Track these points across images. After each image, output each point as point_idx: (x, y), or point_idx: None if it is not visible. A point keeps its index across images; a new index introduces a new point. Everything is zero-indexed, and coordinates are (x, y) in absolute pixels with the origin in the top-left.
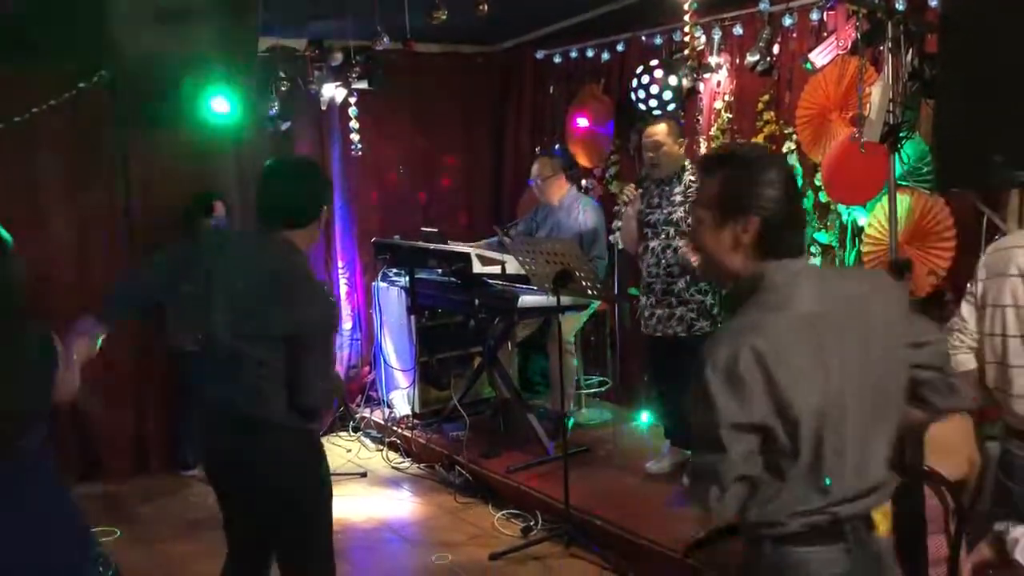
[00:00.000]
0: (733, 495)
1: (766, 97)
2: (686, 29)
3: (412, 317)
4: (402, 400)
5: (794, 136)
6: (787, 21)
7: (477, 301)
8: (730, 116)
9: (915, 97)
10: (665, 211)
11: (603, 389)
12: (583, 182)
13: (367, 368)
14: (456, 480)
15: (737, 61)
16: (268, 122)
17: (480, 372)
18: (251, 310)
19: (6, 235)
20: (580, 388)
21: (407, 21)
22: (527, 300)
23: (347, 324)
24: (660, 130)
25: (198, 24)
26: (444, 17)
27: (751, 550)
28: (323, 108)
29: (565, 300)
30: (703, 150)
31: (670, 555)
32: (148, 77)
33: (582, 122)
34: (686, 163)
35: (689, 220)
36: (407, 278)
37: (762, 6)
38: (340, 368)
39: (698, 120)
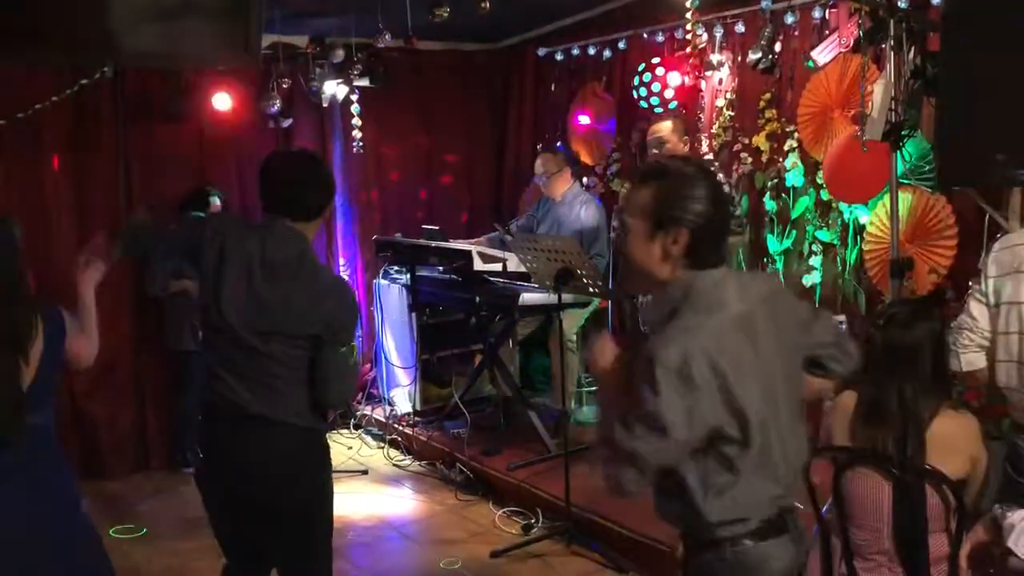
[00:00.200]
0: (647, 483)
1: (768, 95)
2: (688, 27)
3: (413, 314)
4: (403, 398)
5: (796, 134)
6: (789, 19)
7: (478, 298)
8: (732, 114)
9: (917, 95)
10: None
11: None
12: (585, 180)
13: (368, 365)
14: (457, 478)
15: (739, 59)
16: (270, 119)
17: (481, 370)
18: (273, 305)
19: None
20: (581, 386)
21: (409, 18)
22: (528, 298)
23: None
24: (665, 127)
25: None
26: (446, 14)
27: (709, 556)
28: (324, 105)
29: (566, 298)
30: (705, 148)
31: (672, 553)
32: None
33: (584, 120)
34: None
35: None
36: (408, 275)
37: (764, 4)
38: None
39: (700, 118)
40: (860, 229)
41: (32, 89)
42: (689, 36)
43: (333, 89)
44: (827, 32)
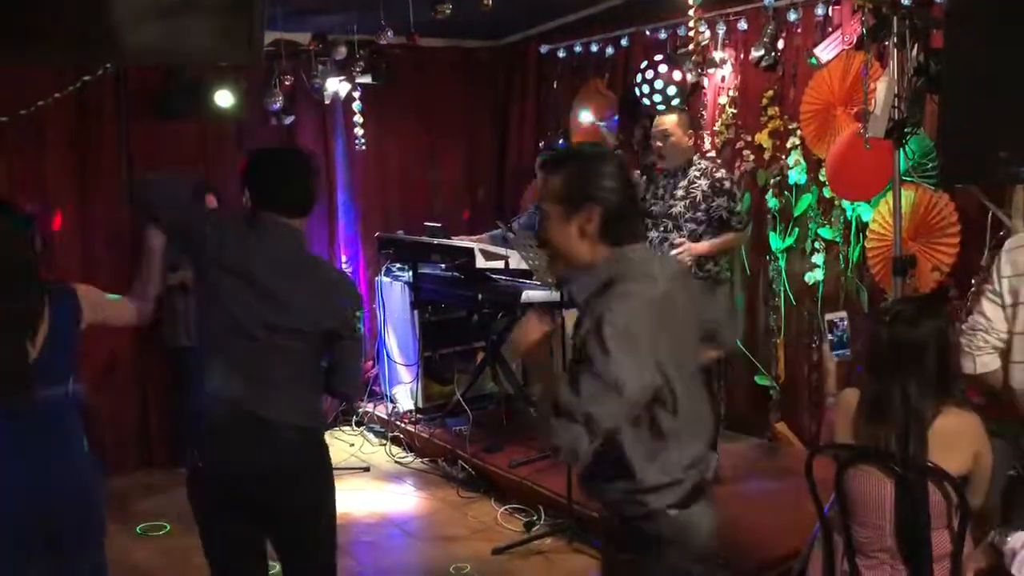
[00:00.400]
0: (594, 447)
1: (770, 92)
2: (691, 24)
3: (415, 312)
4: (405, 395)
5: (798, 131)
6: (792, 16)
7: (480, 296)
8: (734, 111)
9: (920, 92)
10: (667, 204)
11: None
12: None
13: (370, 363)
14: (459, 475)
15: (742, 56)
16: (272, 116)
17: (483, 367)
18: (287, 303)
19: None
20: None
21: (411, 15)
22: (530, 295)
23: None
24: (670, 120)
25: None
26: (448, 11)
27: (642, 527)
28: (326, 103)
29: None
30: (708, 145)
31: None
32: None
33: (586, 117)
34: (694, 157)
35: (689, 215)
36: (410, 273)
37: (767, 1)
38: None
39: (702, 115)
40: (863, 226)
41: (35, 86)
42: (692, 33)
43: (335, 86)
44: (830, 29)
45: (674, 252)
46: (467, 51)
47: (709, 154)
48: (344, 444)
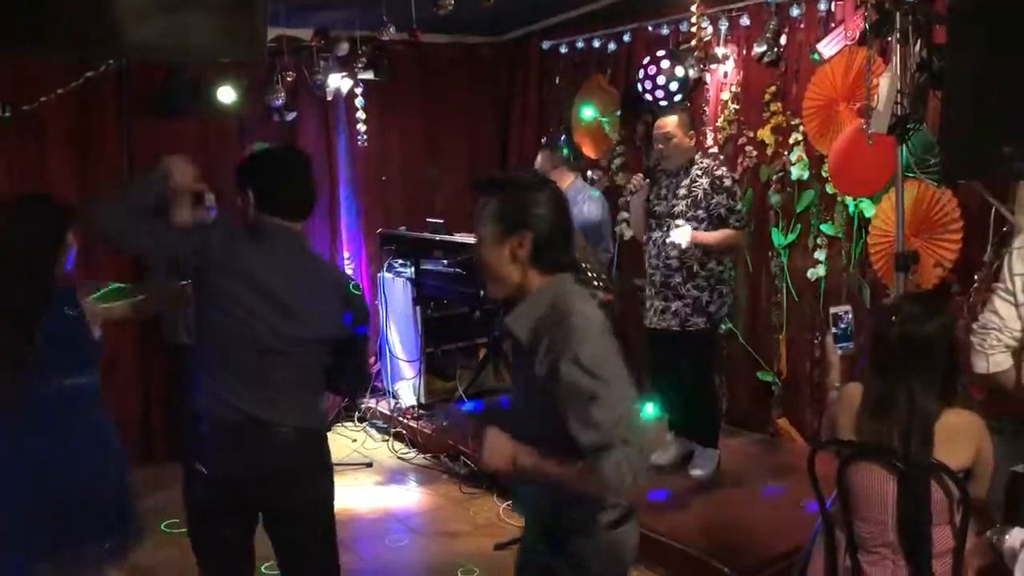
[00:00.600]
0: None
1: (773, 88)
2: (693, 19)
3: (418, 308)
4: (407, 391)
5: (801, 127)
6: (794, 11)
7: (482, 292)
8: (737, 107)
9: (923, 88)
10: (670, 203)
11: None
12: (589, 173)
13: (373, 359)
14: (461, 470)
15: (744, 52)
16: (274, 112)
17: (485, 363)
18: (289, 311)
19: None
20: None
21: (413, 11)
22: None
23: None
24: (671, 122)
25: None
26: (450, 7)
27: (581, 543)
28: (329, 99)
29: None
30: (710, 141)
31: (675, 546)
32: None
33: (588, 113)
34: (696, 156)
35: (691, 213)
36: (413, 269)
37: None
38: None
39: (704, 111)
40: (865, 223)
41: (37, 82)
42: (694, 29)
43: (337, 82)
44: (833, 25)
45: (673, 234)
46: (469, 47)
47: (711, 150)
48: (347, 440)
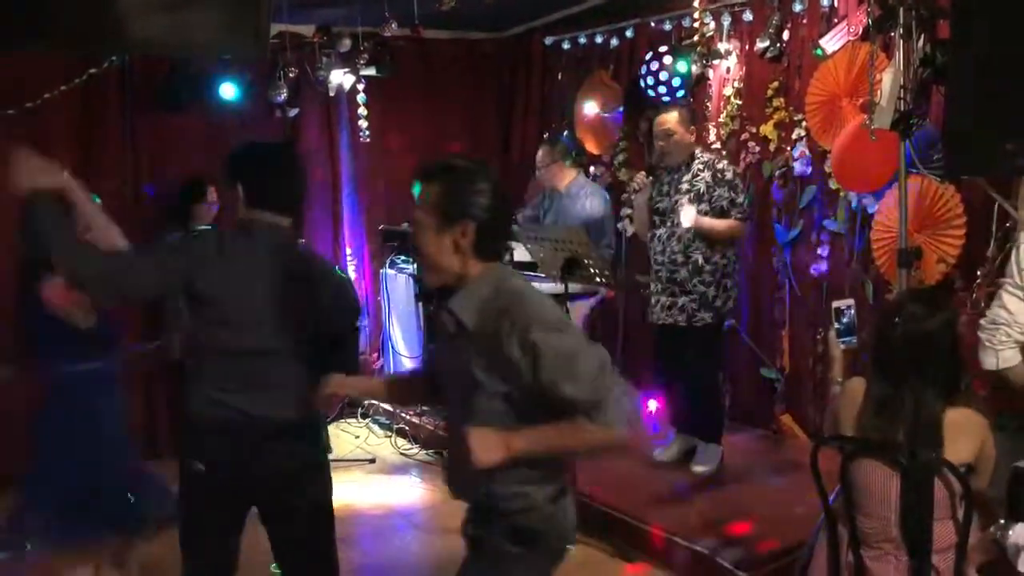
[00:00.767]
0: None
1: (776, 84)
2: (695, 15)
3: (420, 304)
4: None
5: (804, 123)
6: (797, 7)
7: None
8: (739, 103)
9: (926, 84)
10: (673, 199)
11: None
12: (592, 169)
13: (376, 355)
14: None
15: (747, 47)
16: (276, 109)
17: None
18: (280, 310)
19: None
20: None
21: (415, 7)
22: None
23: None
24: (671, 118)
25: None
26: (453, 3)
27: (522, 519)
28: (331, 95)
29: (573, 288)
30: (713, 137)
31: (678, 541)
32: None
33: (590, 109)
34: (696, 151)
35: (694, 207)
36: (415, 265)
37: None
38: None
39: (707, 107)
40: (868, 218)
41: (41, 78)
42: (696, 24)
43: (340, 78)
44: (835, 20)
45: (681, 214)
46: (471, 43)
47: (714, 146)
48: (350, 436)
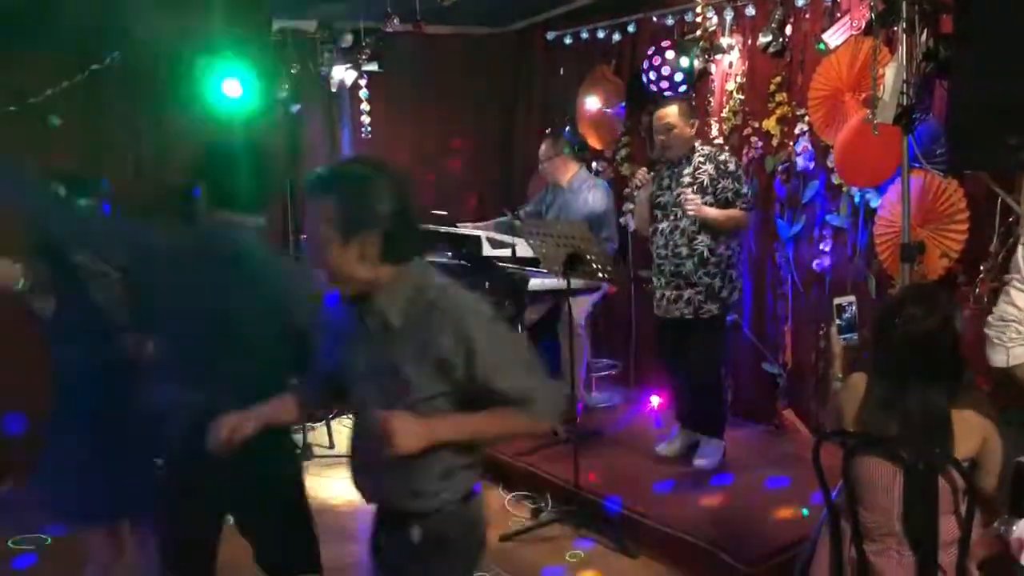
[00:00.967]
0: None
1: (778, 78)
2: (698, 10)
3: None
4: None
5: (806, 118)
6: (800, 1)
7: (487, 284)
8: (742, 98)
9: (929, 78)
10: (674, 193)
11: (613, 372)
12: (594, 164)
13: None
14: None
15: (749, 42)
16: (279, 105)
17: None
18: (238, 308)
19: None
20: (591, 371)
21: (417, 2)
22: (537, 283)
23: None
24: (671, 112)
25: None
26: None
27: (443, 514)
28: (333, 91)
29: (576, 283)
30: (715, 132)
31: (681, 536)
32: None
33: (593, 104)
34: (696, 144)
35: (702, 199)
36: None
37: None
38: None
39: (710, 102)
40: (871, 213)
41: (43, 75)
42: (699, 19)
43: (342, 74)
44: (838, 15)
45: (688, 208)
46: (473, 38)
47: (717, 141)
48: (350, 432)
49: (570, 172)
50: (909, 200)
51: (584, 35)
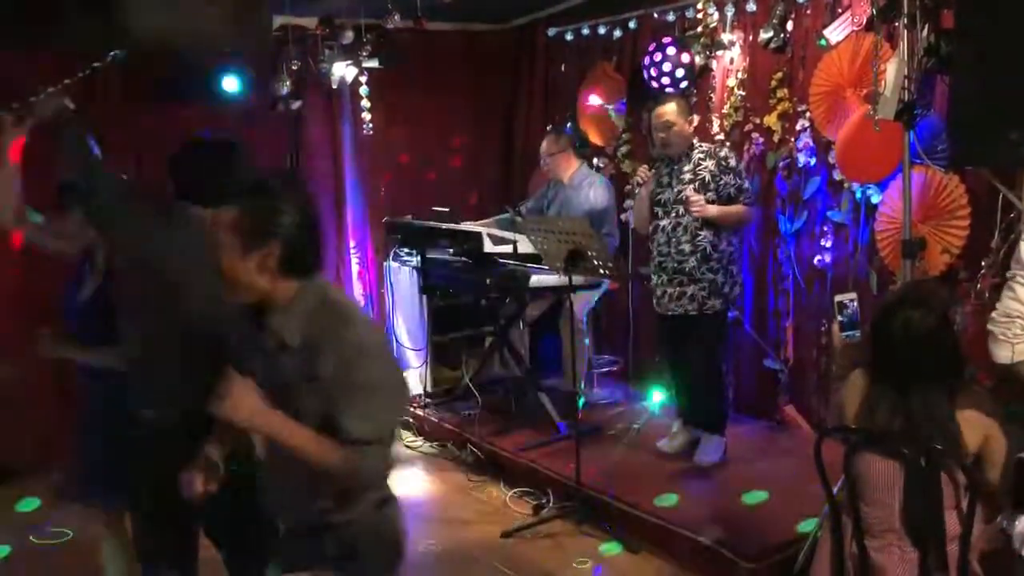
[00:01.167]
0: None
1: (779, 74)
2: (699, 6)
3: (424, 297)
4: (414, 379)
5: (807, 113)
6: None
7: (489, 281)
8: (743, 94)
9: (931, 74)
10: (675, 189)
11: (614, 368)
12: (595, 160)
13: None
14: (468, 458)
15: (750, 38)
16: (279, 102)
17: (492, 352)
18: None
19: None
20: (592, 367)
21: None
22: (539, 279)
23: (359, 303)
24: (670, 109)
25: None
26: None
27: (355, 526)
28: (334, 87)
29: (577, 279)
30: (716, 128)
31: (682, 533)
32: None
33: (594, 100)
34: (695, 140)
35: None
36: (419, 258)
37: None
38: None
39: (711, 98)
40: (872, 209)
41: (43, 72)
42: (700, 15)
43: (342, 71)
44: (839, 10)
45: (692, 210)
46: (474, 34)
47: (718, 137)
48: None
49: (572, 168)
50: (910, 196)
51: (585, 31)
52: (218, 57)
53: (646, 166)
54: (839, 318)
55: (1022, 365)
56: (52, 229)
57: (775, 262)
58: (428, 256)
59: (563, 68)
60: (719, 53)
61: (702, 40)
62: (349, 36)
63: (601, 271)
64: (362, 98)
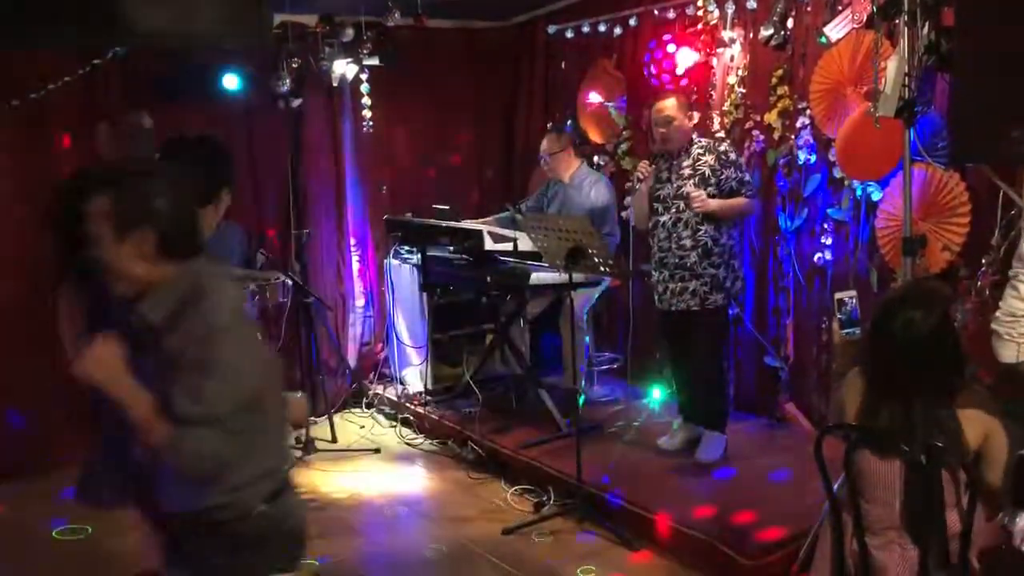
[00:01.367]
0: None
1: (780, 72)
2: (699, 3)
3: (424, 294)
4: (415, 377)
5: (808, 111)
6: None
7: (489, 278)
8: (743, 91)
9: (931, 71)
10: (675, 185)
11: (615, 365)
12: (595, 158)
13: (380, 345)
14: (469, 456)
15: (751, 35)
16: (279, 99)
17: (492, 349)
18: None
19: None
20: (592, 365)
21: None
22: (539, 277)
23: (360, 301)
24: (670, 105)
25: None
26: None
27: (235, 523)
28: (334, 85)
29: (577, 277)
30: (717, 125)
31: (682, 530)
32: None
33: (594, 97)
34: (694, 136)
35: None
36: (419, 255)
37: None
38: (353, 346)
39: (711, 95)
40: (872, 207)
41: (44, 69)
42: (700, 12)
43: (343, 68)
44: (840, 7)
45: (694, 206)
46: (474, 32)
47: (719, 134)
48: (354, 426)
49: (572, 168)
50: (911, 193)
51: (585, 29)
52: (218, 55)
53: (646, 161)
54: (839, 315)
55: None
56: None
57: (775, 259)
58: (428, 254)
59: (563, 65)
60: (719, 50)
61: (702, 37)
62: (349, 34)
63: (602, 269)
64: (362, 96)
